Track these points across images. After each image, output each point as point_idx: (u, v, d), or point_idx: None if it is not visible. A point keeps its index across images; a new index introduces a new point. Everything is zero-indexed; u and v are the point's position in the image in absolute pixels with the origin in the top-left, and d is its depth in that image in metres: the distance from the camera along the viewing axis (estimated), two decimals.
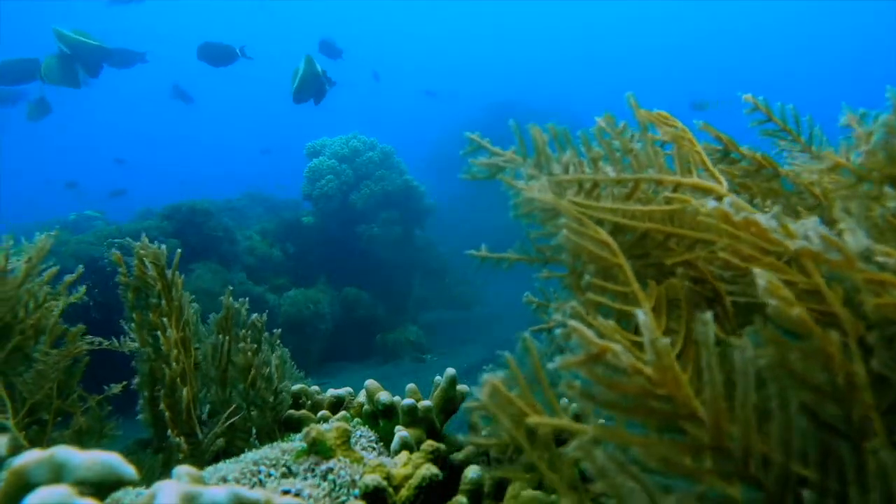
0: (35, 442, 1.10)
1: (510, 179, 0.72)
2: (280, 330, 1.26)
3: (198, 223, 4.72)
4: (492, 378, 0.52)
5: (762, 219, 0.50)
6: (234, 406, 1.12)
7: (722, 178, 0.64)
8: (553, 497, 0.75)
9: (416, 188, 5.92)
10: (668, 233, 0.63)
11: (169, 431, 1.07)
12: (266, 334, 1.20)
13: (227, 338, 1.15)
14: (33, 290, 1.20)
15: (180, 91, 8.42)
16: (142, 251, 1.15)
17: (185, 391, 1.09)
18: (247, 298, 1.23)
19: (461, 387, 1.04)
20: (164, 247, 1.17)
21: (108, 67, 4.37)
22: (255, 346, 1.15)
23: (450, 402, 1.01)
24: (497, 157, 0.76)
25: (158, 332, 1.12)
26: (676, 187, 0.64)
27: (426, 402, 0.96)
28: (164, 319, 1.12)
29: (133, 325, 1.16)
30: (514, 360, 0.53)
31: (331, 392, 1.18)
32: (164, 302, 1.14)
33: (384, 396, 0.98)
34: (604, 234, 0.61)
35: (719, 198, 0.61)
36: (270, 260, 5.20)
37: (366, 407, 1.04)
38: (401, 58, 22.31)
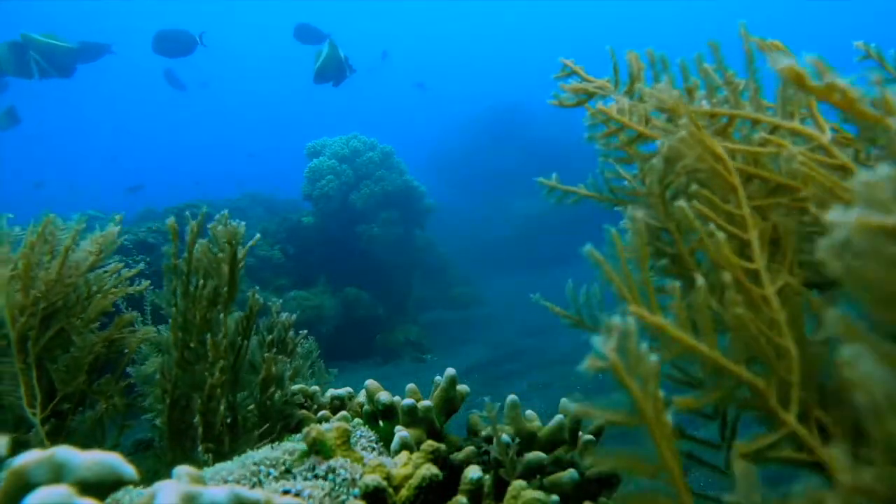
0: (56, 432, 1.07)
1: (591, 107, 0.67)
2: (306, 331, 1.26)
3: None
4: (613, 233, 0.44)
5: (849, 84, 0.41)
6: (266, 425, 1.07)
7: (826, 127, 0.57)
8: (554, 497, 0.75)
9: (416, 188, 5.92)
10: (751, 174, 0.57)
11: (199, 446, 0.99)
12: (291, 333, 1.19)
13: (246, 341, 1.08)
14: (91, 279, 1.17)
15: (172, 77, 8.38)
16: (219, 228, 0.97)
17: (222, 402, 0.99)
18: (280, 301, 1.24)
19: (461, 387, 1.03)
20: (243, 224, 1.00)
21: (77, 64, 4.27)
22: (279, 356, 1.10)
23: (450, 402, 1.01)
24: (588, 82, 0.71)
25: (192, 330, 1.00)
26: (774, 129, 0.58)
27: (426, 402, 0.96)
28: (221, 316, 0.98)
29: (173, 313, 1.01)
30: (619, 237, 0.46)
31: (331, 392, 1.18)
32: (226, 289, 0.98)
33: (384, 396, 0.98)
34: (719, 149, 0.55)
35: (818, 147, 0.55)
36: (270, 261, 5.20)
37: (366, 407, 1.04)
38: (402, 57, 22.31)
